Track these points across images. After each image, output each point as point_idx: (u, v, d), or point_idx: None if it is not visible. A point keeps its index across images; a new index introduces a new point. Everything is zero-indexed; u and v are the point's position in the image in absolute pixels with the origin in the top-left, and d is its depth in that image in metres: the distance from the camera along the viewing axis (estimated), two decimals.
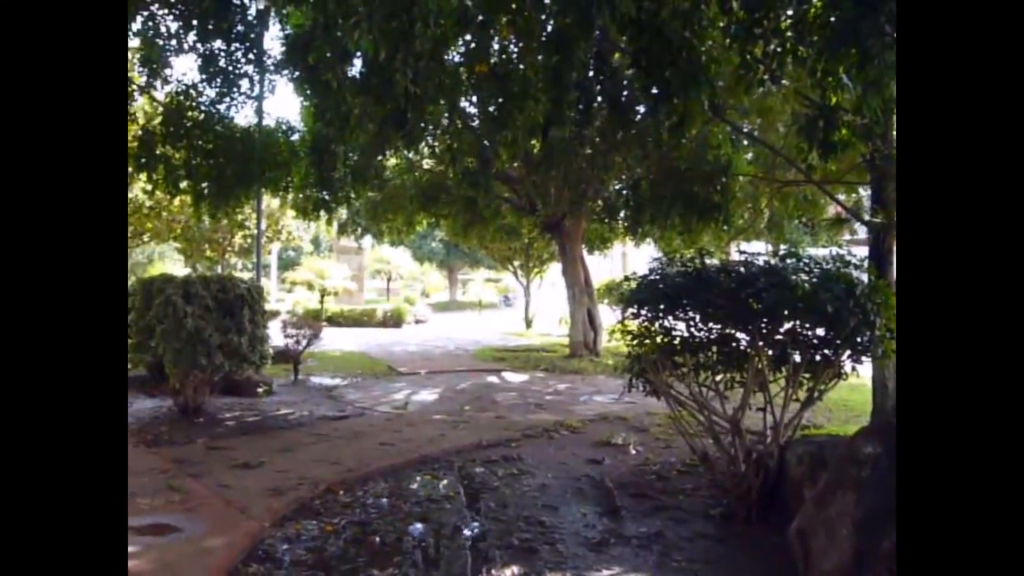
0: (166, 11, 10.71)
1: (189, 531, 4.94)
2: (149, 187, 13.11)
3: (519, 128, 6.11)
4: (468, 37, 6.21)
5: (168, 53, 11.27)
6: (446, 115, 8.56)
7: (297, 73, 11.13)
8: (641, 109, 8.35)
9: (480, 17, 5.51)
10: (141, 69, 11.95)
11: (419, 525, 5.35)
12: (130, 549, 4.56)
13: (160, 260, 39.92)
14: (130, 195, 22.78)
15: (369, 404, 10.55)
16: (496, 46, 7.01)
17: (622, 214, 15.72)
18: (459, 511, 5.69)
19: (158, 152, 11.11)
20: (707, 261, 5.69)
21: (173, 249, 34.89)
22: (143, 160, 11.03)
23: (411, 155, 15.52)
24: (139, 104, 13.24)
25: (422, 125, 7.74)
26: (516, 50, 6.08)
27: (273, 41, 12.55)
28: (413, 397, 11.30)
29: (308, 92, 11.31)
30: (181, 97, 11.45)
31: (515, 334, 25.66)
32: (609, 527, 5.32)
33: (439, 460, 7.22)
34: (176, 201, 21.87)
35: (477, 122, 11.62)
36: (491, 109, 6.17)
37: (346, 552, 4.84)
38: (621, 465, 7.10)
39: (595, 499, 6.01)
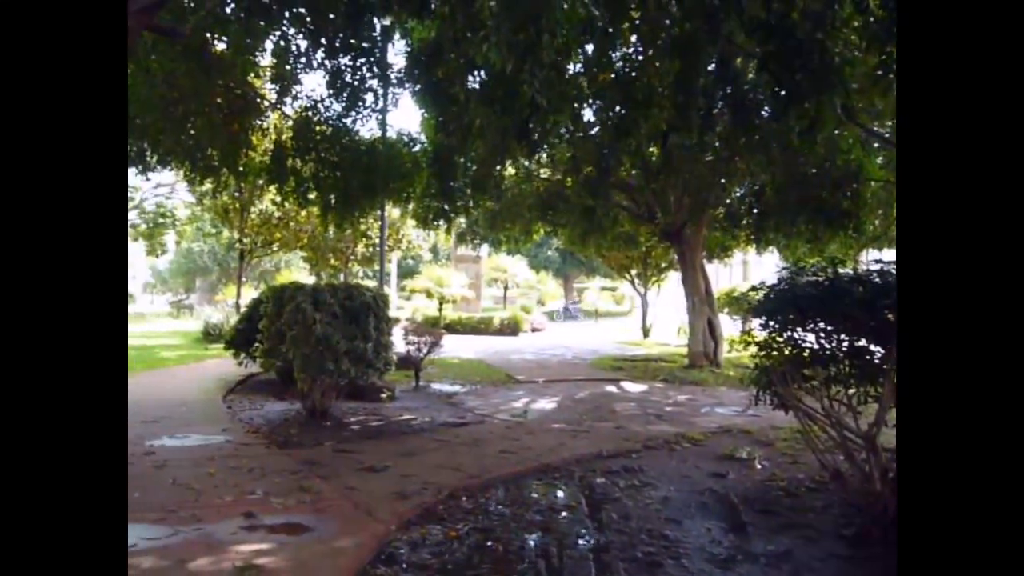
0: (296, 30, 11.13)
1: (320, 531, 5.10)
2: (278, 199, 13.73)
3: (642, 136, 6.05)
4: (591, 46, 6.19)
5: (298, 70, 11.74)
6: (567, 124, 8.57)
7: (419, 86, 11.44)
8: (765, 114, 8.16)
9: (605, 25, 5.48)
10: (272, 86, 12.50)
11: (541, 534, 5.35)
12: (266, 546, 4.75)
13: (287, 268, 41.51)
14: (260, 206, 23.88)
15: (489, 411, 10.65)
16: (618, 53, 6.98)
17: (745, 221, 15.39)
18: (581, 521, 5.66)
19: (289, 165, 11.57)
20: (839, 270, 5.49)
21: (299, 258, 36.34)
22: (275, 173, 11.53)
23: (530, 164, 15.62)
24: (271, 120, 13.79)
25: (544, 135, 7.77)
26: (639, 57, 6.03)
27: (396, 55, 12.88)
28: (532, 405, 11.34)
29: (431, 104, 11.58)
30: (309, 112, 11.90)
31: (632, 343, 25.43)
32: (736, 543, 5.18)
33: (559, 469, 7.21)
34: (303, 212, 22.76)
35: (596, 130, 11.65)
36: (614, 117, 6.12)
37: (470, 558, 4.88)
38: (746, 480, 6.90)
39: (720, 514, 5.86)
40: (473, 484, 6.54)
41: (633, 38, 7.22)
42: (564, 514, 5.85)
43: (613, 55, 6.57)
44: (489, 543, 5.15)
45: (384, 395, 11.22)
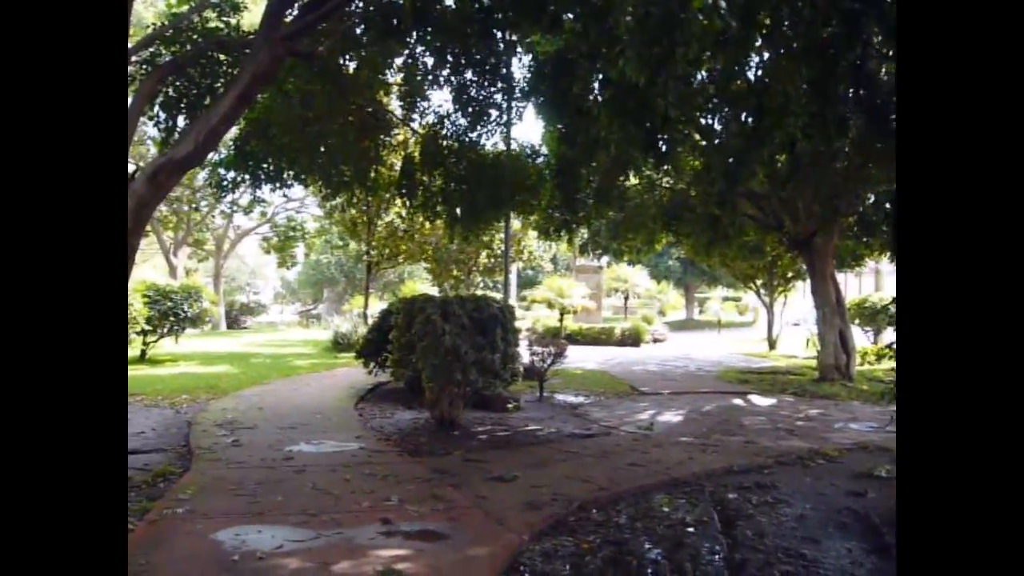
0: (423, 48, 11.43)
1: (454, 539, 5.19)
2: (403, 212, 14.11)
3: (777, 144, 5.91)
4: (724, 56, 6.09)
5: (425, 87, 12.06)
6: (697, 134, 8.47)
7: (543, 99, 11.54)
8: None
9: (738, 34, 5.39)
10: (401, 103, 12.88)
11: (675, 549, 5.27)
12: (404, 552, 4.87)
13: (410, 279, 42.48)
14: (386, 219, 24.57)
15: (614, 423, 10.59)
16: (752, 62, 6.85)
17: (880, 229, 14.77)
18: (714, 537, 5.54)
19: (417, 180, 11.88)
20: None
21: (422, 269, 37.17)
22: (404, 187, 11.86)
23: (656, 175, 15.49)
24: (400, 136, 14.19)
25: (672, 145, 7.69)
26: (772, 65, 5.90)
27: (519, 69, 13.08)
28: (658, 418, 11.20)
29: (555, 117, 11.67)
30: (436, 127, 12.20)
31: (758, 355, 24.75)
32: (879, 566, 4.96)
33: (689, 484, 7.09)
34: (427, 224, 23.28)
35: (724, 139, 11.42)
36: (745, 126, 6.01)
37: (603, 571, 4.86)
38: (887, 499, 6.60)
39: (860, 534, 5.62)
40: (603, 497, 6.52)
41: (761, 44, 7.09)
42: (697, 529, 5.74)
43: (746, 63, 6.44)
44: (622, 557, 5.12)
45: (511, 405, 11.32)
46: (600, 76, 6.34)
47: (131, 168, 6.83)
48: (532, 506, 6.07)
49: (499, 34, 10.31)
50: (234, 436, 8.89)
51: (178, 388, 14.18)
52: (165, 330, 19.29)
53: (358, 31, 10.15)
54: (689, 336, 37.79)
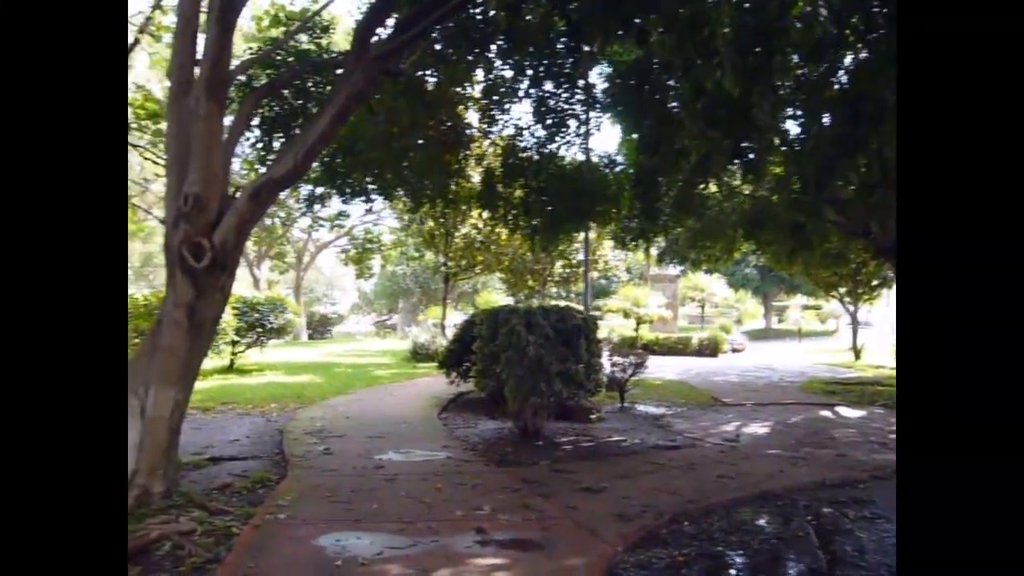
0: (502, 62, 11.57)
1: (549, 549, 5.23)
2: (480, 224, 14.26)
3: (873, 152, 5.81)
4: (819, 63, 6.01)
5: (504, 100, 12.19)
6: (779, 140, 8.37)
7: (622, 109, 11.55)
8: None
9: (833, 41, 5.32)
10: (481, 116, 13.03)
11: (772, 563, 5.22)
12: (501, 561, 4.94)
13: (485, 290, 42.77)
14: (464, 230, 24.84)
15: (699, 435, 10.50)
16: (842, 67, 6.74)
17: None
18: (812, 553, 5.46)
19: (498, 192, 12.01)
20: None
21: (496, 279, 37.41)
22: (485, 199, 12.01)
23: (734, 182, 15.30)
24: (480, 149, 14.35)
25: (761, 153, 7.63)
26: (869, 71, 5.78)
27: (598, 79, 13.10)
28: (743, 430, 11.06)
29: (635, 127, 11.66)
30: (515, 140, 12.31)
31: (842, 365, 24.17)
32: None
33: (781, 497, 7.00)
34: (504, 235, 23.46)
35: (812, 146, 11.20)
36: (839, 133, 5.92)
37: None
38: None
39: None
40: (693, 509, 6.48)
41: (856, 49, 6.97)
42: (793, 544, 5.67)
43: (839, 69, 6.35)
44: (718, 570, 5.10)
45: (594, 416, 11.33)
46: (691, 86, 6.31)
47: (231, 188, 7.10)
48: (623, 517, 6.08)
49: (582, 46, 10.36)
50: (325, 444, 9.11)
51: (267, 397, 14.58)
52: (252, 340, 19.85)
53: (437, 47, 10.33)
54: (768, 346, 37.10)
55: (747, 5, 5.46)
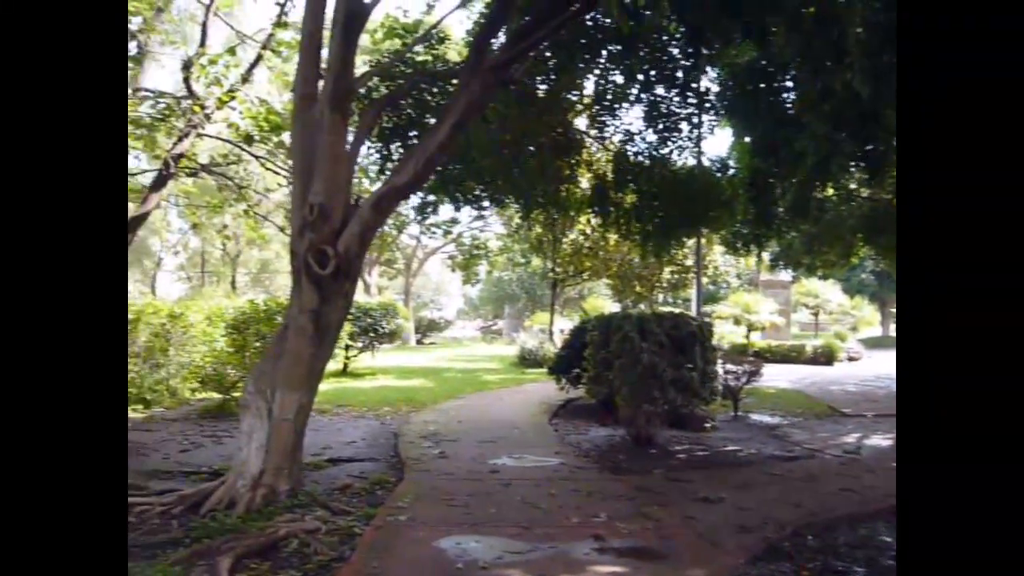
0: (613, 66, 11.50)
1: (670, 559, 5.17)
2: (588, 230, 14.21)
3: None
4: None
5: (615, 105, 12.13)
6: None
7: (735, 111, 11.32)
8: None
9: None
10: (592, 122, 13.00)
11: None
12: (622, 570, 4.91)
13: (591, 296, 42.63)
14: (572, 236, 24.84)
15: (817, 446, 10.17)
16: None
17: None
18: None
19: (609, 197, 11.95)
20: None
21: (602, 285, 37.23)
22: (597, 206, 11.98)
23: (852, 185, 14.80)
24: (591, 154, 14.32)
25: (885, 154, 7.35)
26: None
27: (710, 82, 12.86)
28: (865, 441, 10.65)
29: (749, 129, 11.42)
30: (626, 145, 12.23)
31: None
32: None
33: None
34: (611, 240, 23.34)
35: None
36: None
37: None
38: None
39: None
40: (816, 522, 6.29)
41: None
42: None
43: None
44: None
45: (707, 425, 11.14)
46: (821, 87, 6.12)
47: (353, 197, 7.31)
48: (744, 529, 5.95)
49: (703, 51, 10.22)
50: (439, 448, 9.26)
51: (380, 400, 14.94)
52: (365, 345, 20.37)
53: (547, 53, 10.37)
54: (886, 355, 35.55)
55: (878, 5, 5.27)
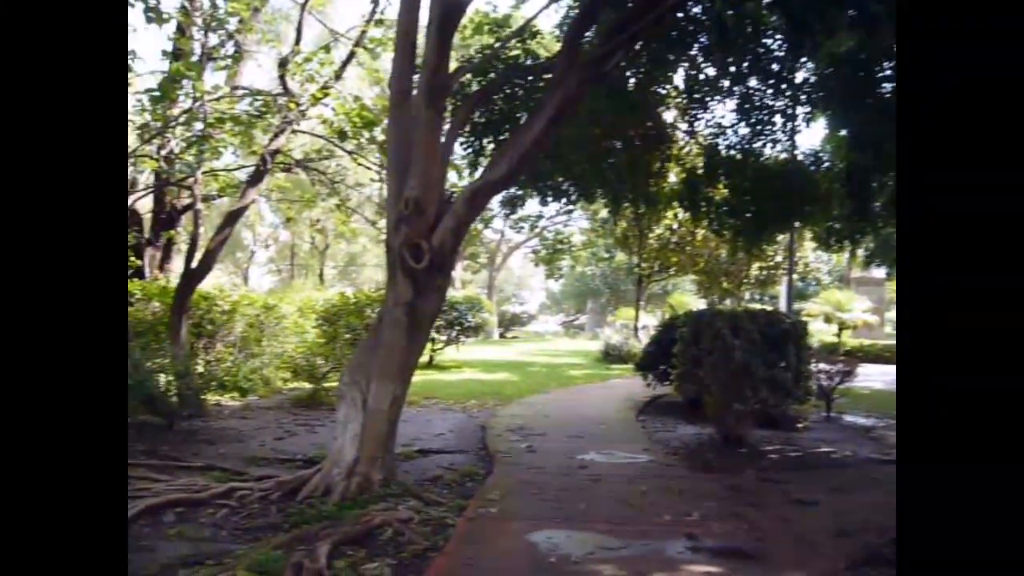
0: (705, 58, 11.31)
1: (767, 562, 5.06)
2: (674, 225, 14.04)
3: None
4: None
5: (707, 98, 11.93)
6: None
7: (831, 103, 10.99)
8: None
9: None
10: (682, 115, 12.82)
11: None
12: (717, 570, 4.84)
13: (676, 291, 42.16)
14: (658, 231, 24.59)
15: None
16: None
17: None
18: None
19: (700, 192, 11.77)
20: None
21: (688, 281, 36.74)
22: (687, 201, 11.82)
23: None
24: (681, 148, 14.14)
25: None
26: None
27: (805, 73, 12.51)
28: None
29: (846, 121, 11.08)
30: (718, 138, 12.02)
31: None
32: None
33: None
34: (698, 236, 23.01)
35: None
36: None
37: None
38: None
39: None
40: None
41: None
42: None
43: None
44: None
45: (800, 425, 10.88)
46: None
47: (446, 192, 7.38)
48: (842, 533, 5.78)
49: (804, 42, 9.96)
50: (527, 442, 9.30)
51: (466, 393, 15.10)
52: (451, 338, 20.60)
53: (637, 46, 10.25)
54: None
55: None
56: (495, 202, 13.78)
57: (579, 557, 5.00)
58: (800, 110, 11.99)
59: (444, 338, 20.45)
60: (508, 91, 9.65)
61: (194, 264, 12.40)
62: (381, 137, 13.36)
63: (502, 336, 44.98)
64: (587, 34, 7.96)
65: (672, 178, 13.20)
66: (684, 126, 12.48)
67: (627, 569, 4.80)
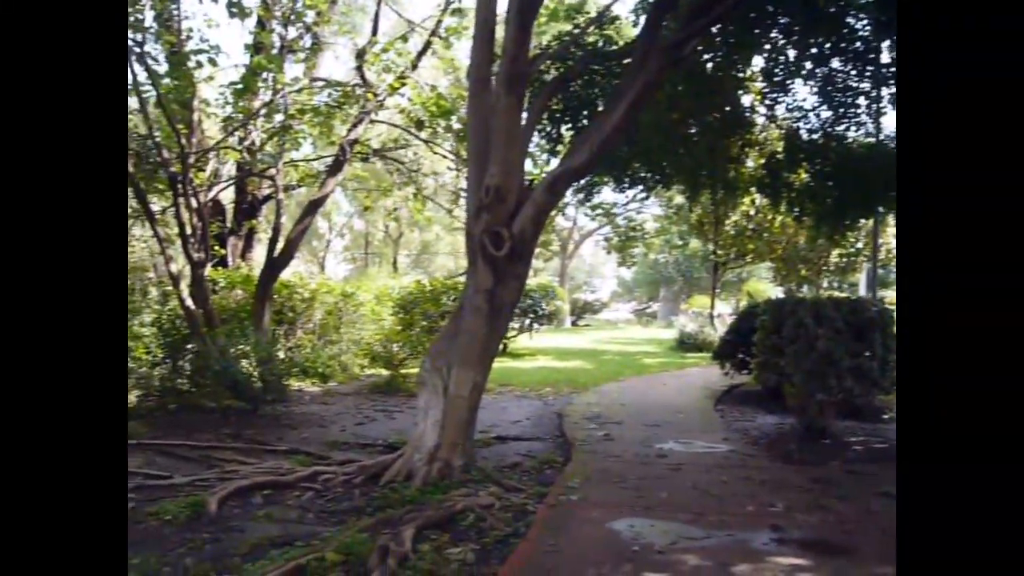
0: (786, 40, 11.04)
1: (856, 555, 4.95)
2: (751, 212, 13.76)
3: None
4: None
5: (788, 80, 11.65)
6: None
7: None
8: None
9: None
10: (762, 99, 12.55)
11: None
12: (805, 563, 4.75)
13: (752, 279, 41.44)
14: (734, 218, 24.18)
15: None
16: None
17: None
18: None
19: (781, 177, 11.52)
20: None
21: (763, 269, 36.05)
22: (767, 186, 11.58)
23: None
24: (761, 133, 13.87)
25: None
26: None
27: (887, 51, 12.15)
28: None
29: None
30: (798, 122, 11.73)
31: None
32: None
33: None
34: (776, 222, 22.54)
35: None
36: None
37: None
38: None
39: None
40: None
41: None
42: None
43: None
44: None
45: (886, 416, 10.60)
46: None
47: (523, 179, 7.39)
48: None
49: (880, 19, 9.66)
50: (604, 430, 9.28)
51: (540, 380, 15.15)
52: (524, 325, 20.67)
53: (714, 29, 10.07)
54: None
55: None
56: (569, 190, 13.73)
57: (662, 546, 4.97)
58: (885, 92, 11.63)
59: (517, 326, 20.51)
60: (586, 77, 9.58)
61: (276, 253, 12.70)
62: (456, 125, 13.44)
63: (574, 324, 44.92)
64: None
65: (750, 163, 12.97)
66: (763, 110, 12.21)
67: (712, 559, 4.76)
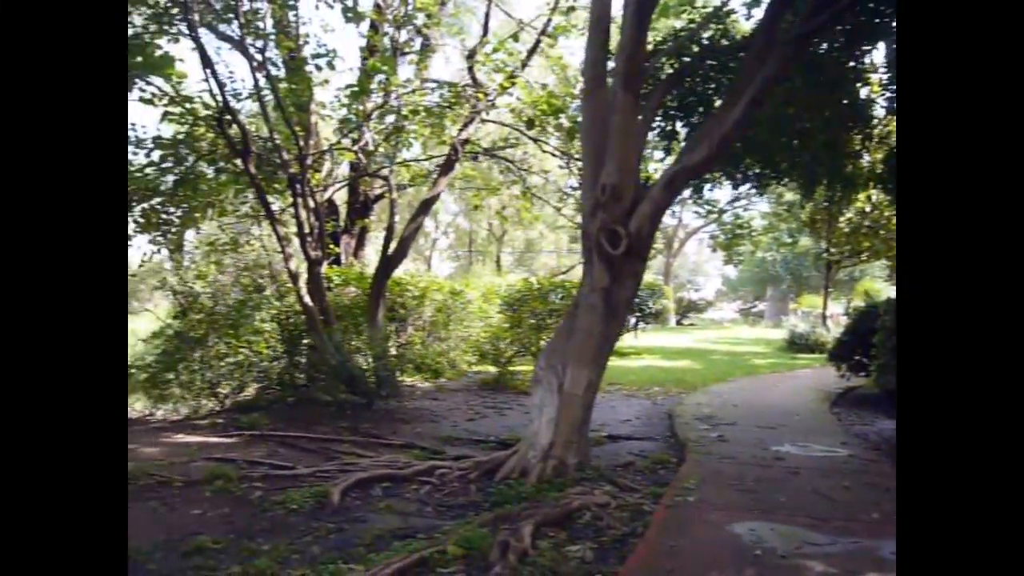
0: None
1: None
2: (867, 208, 13.24)
3: None
4: None
5: None
6: None
7: None
8: None
9: None
10: (882, 93, 12.10)
11: None
12: None
13: (864, 278, 40.01)
14: (848, 215, 23.38)
15: None
16: None
17: None
18: None
19: None
20: None
21: (876, 268, 34.72)
22: (886, 180, 11.17)
23: None
24: (882, 127, 13.38)
25: None
26: None
27: None
28: None
29: None
30: None
31: None
32: None
33: None
34: (893, 219, 21.67)
35: None
36: None
37: None
38: None
39: None
40: None
41: None
42: None
43: None
44: None
45: None
46: None
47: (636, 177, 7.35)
48: None
49: None
50: (717, 431, 9.14)
51: (648, 380, 15.04)
52: (630, 324, 20.53)
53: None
54: None
55: None
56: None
57: (785, 551, 4.87)
58: None
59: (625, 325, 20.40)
60: (702, 73, 9.44)
61: (390, 251, 12.99)
62: (566, 124, 13.44)
63: (678, 323, 44.29)
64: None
65: (867, 158, 12.52)
66: (883, 102, 11.77)
67: (838, 567, 4.63)
